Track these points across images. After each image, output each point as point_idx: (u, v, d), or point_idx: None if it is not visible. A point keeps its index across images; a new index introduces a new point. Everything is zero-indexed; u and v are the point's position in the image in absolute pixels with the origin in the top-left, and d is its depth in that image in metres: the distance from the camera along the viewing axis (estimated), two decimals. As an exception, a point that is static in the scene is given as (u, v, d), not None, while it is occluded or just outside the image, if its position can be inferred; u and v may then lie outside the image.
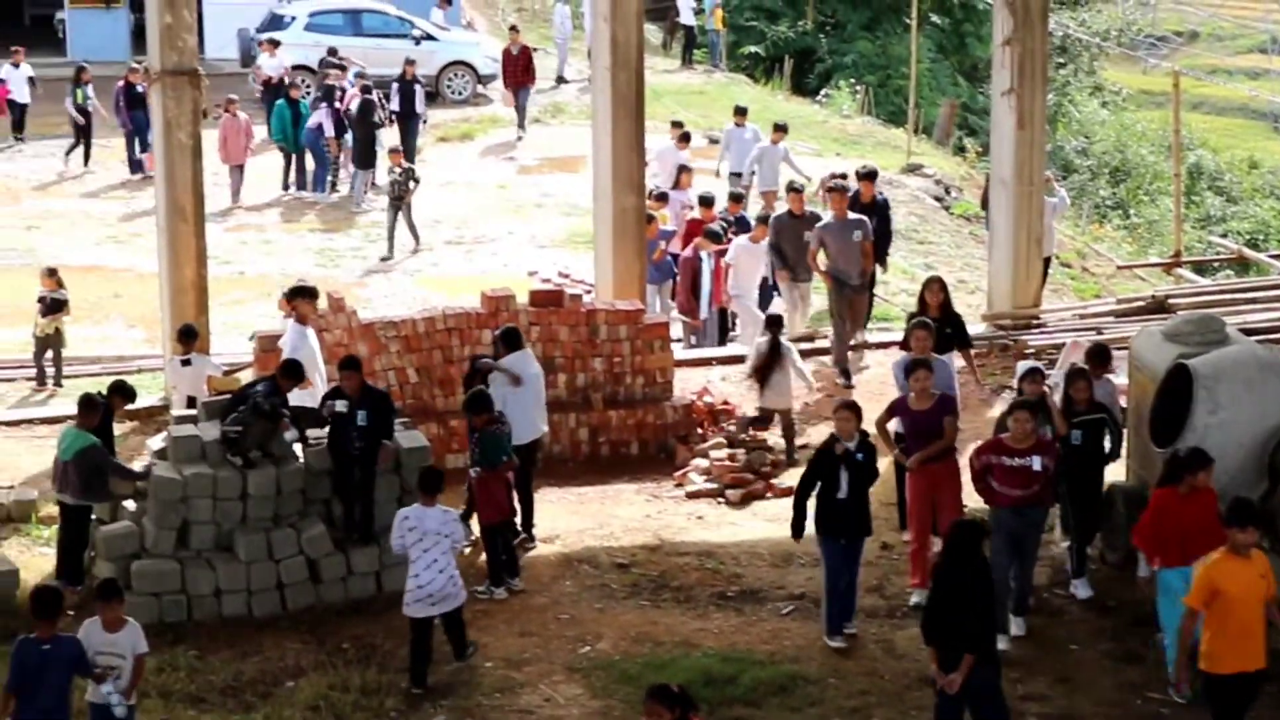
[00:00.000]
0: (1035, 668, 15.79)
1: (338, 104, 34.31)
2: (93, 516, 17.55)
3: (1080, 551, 17.19)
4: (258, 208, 33.81)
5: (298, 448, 17.52)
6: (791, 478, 19.94)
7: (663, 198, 27.40)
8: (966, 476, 16.48)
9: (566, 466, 20.68)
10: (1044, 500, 16.20)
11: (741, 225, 26.21)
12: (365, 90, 34.24)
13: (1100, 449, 16.98)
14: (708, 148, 35.58)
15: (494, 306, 20.93)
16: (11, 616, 16.41)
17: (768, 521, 19.11)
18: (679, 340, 24.59)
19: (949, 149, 43.67)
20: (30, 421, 22.04)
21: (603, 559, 18.24)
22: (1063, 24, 55.28)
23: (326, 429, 17.41)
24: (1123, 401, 18.13)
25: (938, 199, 35.80)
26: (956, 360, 19.64)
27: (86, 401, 17.70)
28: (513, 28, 42.48)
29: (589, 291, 24.66)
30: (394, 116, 35.32)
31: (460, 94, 42.52)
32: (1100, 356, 17.94)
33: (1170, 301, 24.79)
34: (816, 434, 21.16)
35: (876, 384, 22.04)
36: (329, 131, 34.16)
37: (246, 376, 20.75)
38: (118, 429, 19.36)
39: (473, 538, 17.84)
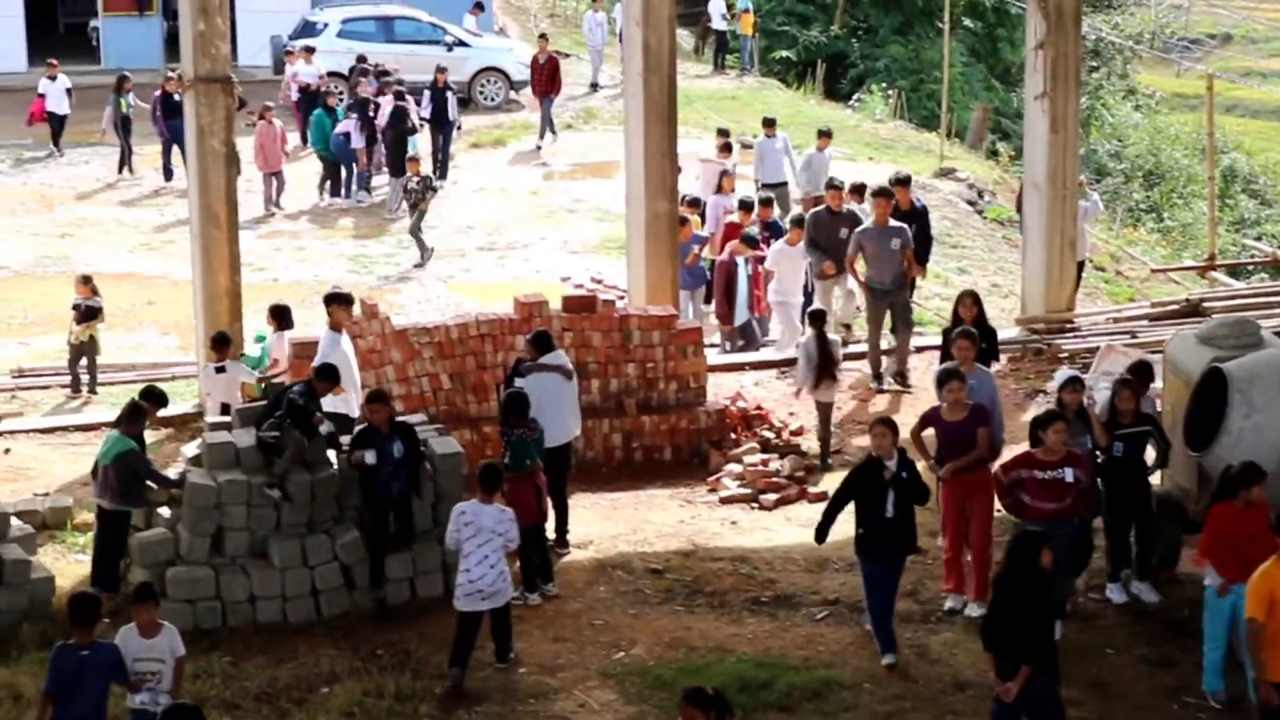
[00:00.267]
0: (1070, 673, 15.63)
1: (370, 114, 34.35)
2: (131, 523, 17.61)
3: (1115, 557, 17.11)
4: (291, 214, 33.87)
5: (331, 454, 17.56)
6: (826, 483, 19.98)
7: (694, 203, 27.39)
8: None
9: (600, 472, 20.67)
10: (1075, 512, 15.99)
11: (774, 230, 26.20)
12: (398, 96, 34.30)
13: (1143, 461, 16.83)
14: (744, 153, 35.53)
15: (527, 312, 20.93)
16: (48, 623, 16.48)
17: (801, 526, 19.06)
18: (715, 345, 24.56)
19: (982, 153, 43.61)
20: (65, 429, 22.07)
21: (636, 564, 18.23)
22: (1096, 27, 55.15)
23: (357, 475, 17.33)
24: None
25: (970, 203, 35.74)
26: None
27: (133, 408, 17.74)
28: (542, 35, 42.52)
29: (622, 297, 24.65)
30: (425, 123, 35.35)
31: (493, 100, 42.55)
32: (1143, 373, 17.63)
33: (1204, 305, 24.73)
34: (851, 439, 21.22)
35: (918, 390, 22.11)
36: (356, 142, 34.24)
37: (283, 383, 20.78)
38: (151, 436, 19.41)
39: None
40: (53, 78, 37.68)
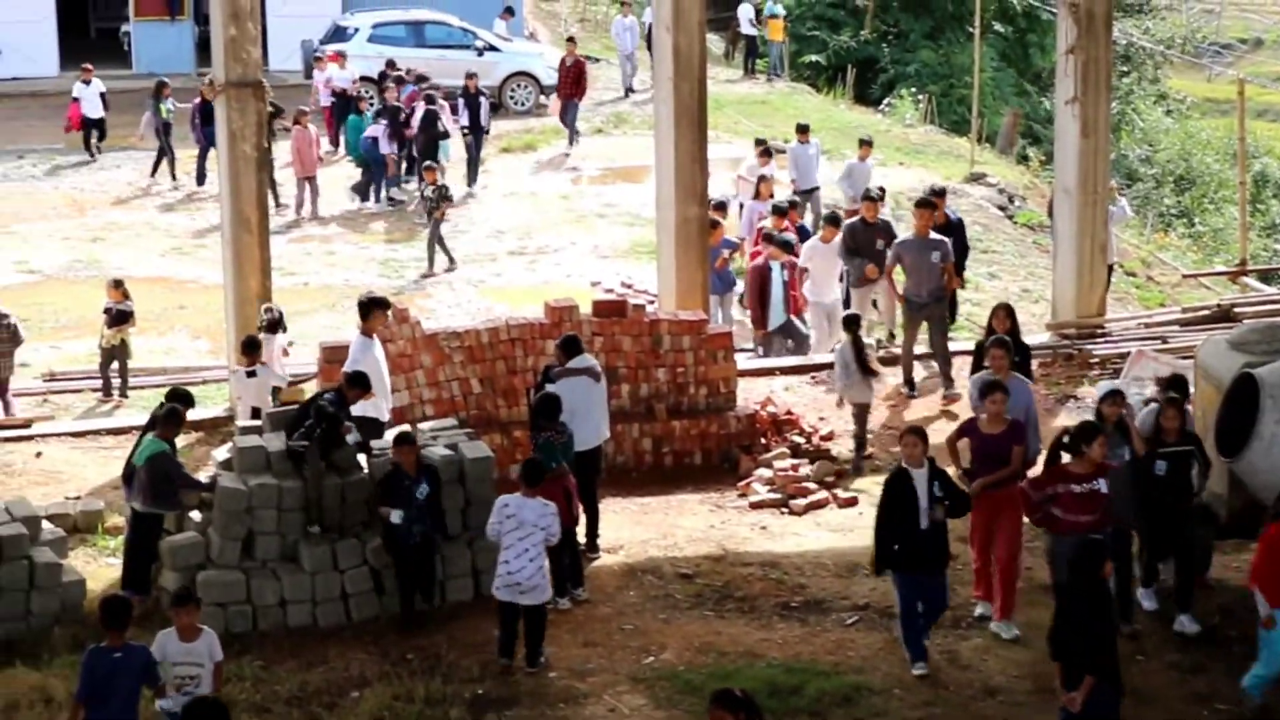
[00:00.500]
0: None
1: (402, 119, 34.39)
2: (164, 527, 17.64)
3: (1150, 565, 17.01)
4: (322, 219, 33.93)
5: (361, 458, 17.57)
6: (856, 486, 19.98)
7: (720, 205, 27.34)
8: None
9: (630, 476, 20.66)
10: (1105, 523, 15.72)
11: (802, 235, 26.17)
12: (429, 100, 34.33)
13: (1187, 482, 16.53)
14: (778, 158, 35.46)
15: (557, 317, 20.93)
16: (79, 626, 16.53)
17: (831, 532, 19.08)
18: (748, 350, 24.51)
19: (1012, 158, 43.54)
20: (96, 433, 22.12)
21: (666, 569, 18.22)
22: (1126, 32, 55.05)
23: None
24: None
25: (1001, 208, 35.67)
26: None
27: (170, 413, 17.70)
28: (569, 39, 42.53)
29: (652, 302, 24.65)
30: (464, 131, 35.31)
31: (523, 105, 42.59)
32: (1180, 387, 17.41)
33: (1235, 310, 24.67)
34: (879, 445, 21.19)
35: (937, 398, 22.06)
36: (385, 147, 34.29)
37: (311, 388, 20.82)
38: (181, 440, 19.42)
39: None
40: (87, 82, 37.80)
